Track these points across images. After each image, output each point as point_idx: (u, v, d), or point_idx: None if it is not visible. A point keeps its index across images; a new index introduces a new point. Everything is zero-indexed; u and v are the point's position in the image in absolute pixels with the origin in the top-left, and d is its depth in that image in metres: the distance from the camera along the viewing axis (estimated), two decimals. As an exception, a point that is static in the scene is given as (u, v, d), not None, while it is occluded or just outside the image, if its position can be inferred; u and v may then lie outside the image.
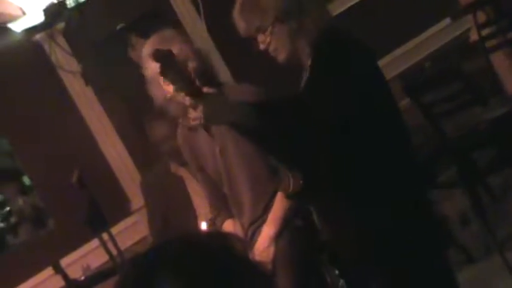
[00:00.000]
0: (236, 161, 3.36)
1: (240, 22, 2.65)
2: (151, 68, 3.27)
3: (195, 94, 2.52)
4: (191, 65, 3.17)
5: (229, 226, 3.55)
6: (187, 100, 2.56)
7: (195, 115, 2.61)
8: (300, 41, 2.62)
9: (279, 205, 3.32)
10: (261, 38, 2.64)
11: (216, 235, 3.23)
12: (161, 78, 3.24)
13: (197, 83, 2.56)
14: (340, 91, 2.48)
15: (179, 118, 3.45)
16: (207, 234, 3.39)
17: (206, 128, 3.38)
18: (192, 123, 2.79)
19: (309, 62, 2.62)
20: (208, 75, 3.33)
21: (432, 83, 5.02)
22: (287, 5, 2.60)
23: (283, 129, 2.57)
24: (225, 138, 3.34)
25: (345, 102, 2.48)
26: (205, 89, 2.57)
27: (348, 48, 2.60)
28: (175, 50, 3.22)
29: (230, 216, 3.54)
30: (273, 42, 2.63)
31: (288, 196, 2.88)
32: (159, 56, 2.62)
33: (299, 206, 3.33)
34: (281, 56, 2.65)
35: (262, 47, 2.66)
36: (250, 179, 3.37)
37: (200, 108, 2.55)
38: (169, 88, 3.25)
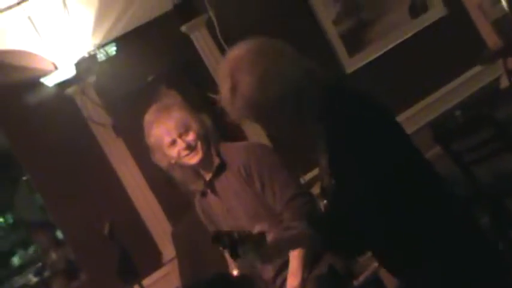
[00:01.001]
0: (244, 218, 3.40)
1: (232, 112, 2.43)
2: (154, 135, 3.37)
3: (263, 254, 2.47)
4: None
5: None
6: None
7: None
8: (302, 119, 2.44)
9: (295, 254, 3.31)
10: (258, 123, 2.49)
11: (246, 278, 3.23)
12: (165, 146, 3.33)
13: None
14: (369, 164, 2.38)
15: (185, 183, 3.52)
16: (237, 276, 3.40)
17: (212, 190, 3.45)
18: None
19: (323, 144, 2.46)
20: (209, 138, 3.39)
21: (463, 131, 4.98)
22: (278, 92, 2.36)
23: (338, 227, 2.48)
24: (229, 198, 3.40)
25: (378, 172, 2.38)
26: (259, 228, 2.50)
27: (361, 116, 2.39)
28: (176, 116, 3.33)
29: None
30: (273, 127, 2.48)
31: None
32: (222, 241, 2.49)
33: (319, 252, 3.32)
34: (284, 136, 2.55)
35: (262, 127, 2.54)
36: None
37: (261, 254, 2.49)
38: (173, 153, 3.34)
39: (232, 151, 3.45)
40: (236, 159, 3.41)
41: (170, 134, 3.36)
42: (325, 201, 2.50)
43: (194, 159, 3.38)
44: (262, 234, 2.44)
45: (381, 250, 2.53)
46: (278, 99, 2.37)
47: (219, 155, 3.44)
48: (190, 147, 3.36)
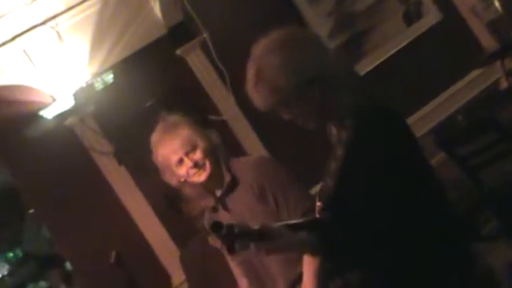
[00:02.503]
0: None
1: (256, 99, 2.43)
2: (161, 155, 3.34)
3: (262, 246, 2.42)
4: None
5: None
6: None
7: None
8: (327, 109, 2.43)
9: (309, 269, 3.27)
10: (283, 111, 2.45)
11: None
12: (173, 165, 3.30)
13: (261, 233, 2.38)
14: (379, 172, 2.32)
15: (195, 199, 3.48)
16: None
17: (223, 206, 3.41)
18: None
19: (344, 136, 2.43)
20: (217, 154, 3.36)
21: (466, 135, 4.96)
22: (303, 78, 2.37)
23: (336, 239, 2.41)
24: (243, 214, 3.35)
25: (386, 182, 2.35)
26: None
27: (383, 120, 2.39)
28: (182, 135, 3.29)
29: None
30: (298, 115, 2.44)
31: None
32: (221, 232, 2.41)
33: (332, 267, 3.28)
34: (310, 127, 2.52)
35: (287, 117, 2.47)
36: None
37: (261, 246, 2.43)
38: (182, 172, 3.31)
39: (243, 167, 3.40)
40: (248, 175, 3.35)
41: (177, 153, 3.31)
42: (319, 203, 2.48)
43: (202, 176, 3.33)
44: (263, 231, 2.39)
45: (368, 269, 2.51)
46: (302, 84, 2.36)
47: (229, 170, 3.40)
48: (198, 166, 3.31)
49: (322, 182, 2.53)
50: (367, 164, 2.33)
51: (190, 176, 3.33)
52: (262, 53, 2.42)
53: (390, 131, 2.39)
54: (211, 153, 3.33)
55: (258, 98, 2.42)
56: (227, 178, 3.36)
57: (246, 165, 3.41)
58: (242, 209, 3.35)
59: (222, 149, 3.41)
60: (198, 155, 3.31)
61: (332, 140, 2.57)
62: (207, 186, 3.42)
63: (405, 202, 2.35)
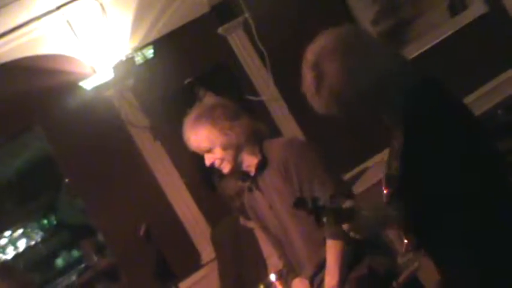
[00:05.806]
0: (285, 215, 3.37)
1: (317, 104, 2.35)
2: (191, 140, 3.38)
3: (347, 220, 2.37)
4: None
5: (297, 285, 3.52)
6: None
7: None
8: (383, 114, 2.40)
9: (332, 253, 3.28)
10: (341, 115, 2.38)
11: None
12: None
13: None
14: (446, 162, 2.27)
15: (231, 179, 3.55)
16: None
17: (256, 186, 3.43)
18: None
19: (398, 133, 2.39)
20: (243, 145, 3.40)
21: (504, 131, 4.91)
22: (366, 86, 2.29)
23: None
24: (271, 194, 3.38)
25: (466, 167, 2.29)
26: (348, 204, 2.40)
27: (444, 104, 2.36)
28: (200, 135, 3.37)
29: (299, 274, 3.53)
30: (355, 117, 2.39)
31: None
32: (306, 206, 2.39)
33: (356, 251, 3.27)
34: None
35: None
36: (302, 230, 3.36)
37: (349, 224, 2.36)
38: (207, 163, 3.34)
39: (273, 147, 3.42)
40: (276, 156, 3.37)
41: (198, 149, 3.43)
42: (386, 191, 2.43)
43: (225, 169, 3.42)
44: (349, 210, 2.36)
45: (437, 247, 2.44)
46: (366, 92, 2.30)
47: (261, 151, 3.41)
48: (218, 162, 3.39)
49: (387, 166, 2.48)
50: (431, 146, 2.28)
51: (216, 167, 3.41)
52: (323, 57, 2.32)
53: (443, 113, 2.34)
54: (231, 147, 3.37)
55: (320, 104, 2.36)
56: (257, 159, 3.38)
57: (277, 145, 3.43)
58: (271, 190, 3.38)
59: (251, 137, 3.40)
60: (215, 154, 3.39)
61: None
62: (239, 171, 3.46)
63: (476, 179, 2.31)
